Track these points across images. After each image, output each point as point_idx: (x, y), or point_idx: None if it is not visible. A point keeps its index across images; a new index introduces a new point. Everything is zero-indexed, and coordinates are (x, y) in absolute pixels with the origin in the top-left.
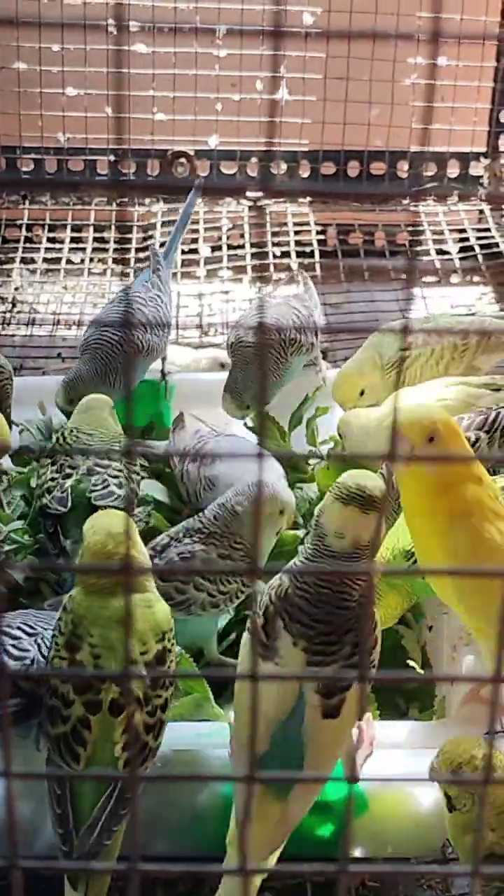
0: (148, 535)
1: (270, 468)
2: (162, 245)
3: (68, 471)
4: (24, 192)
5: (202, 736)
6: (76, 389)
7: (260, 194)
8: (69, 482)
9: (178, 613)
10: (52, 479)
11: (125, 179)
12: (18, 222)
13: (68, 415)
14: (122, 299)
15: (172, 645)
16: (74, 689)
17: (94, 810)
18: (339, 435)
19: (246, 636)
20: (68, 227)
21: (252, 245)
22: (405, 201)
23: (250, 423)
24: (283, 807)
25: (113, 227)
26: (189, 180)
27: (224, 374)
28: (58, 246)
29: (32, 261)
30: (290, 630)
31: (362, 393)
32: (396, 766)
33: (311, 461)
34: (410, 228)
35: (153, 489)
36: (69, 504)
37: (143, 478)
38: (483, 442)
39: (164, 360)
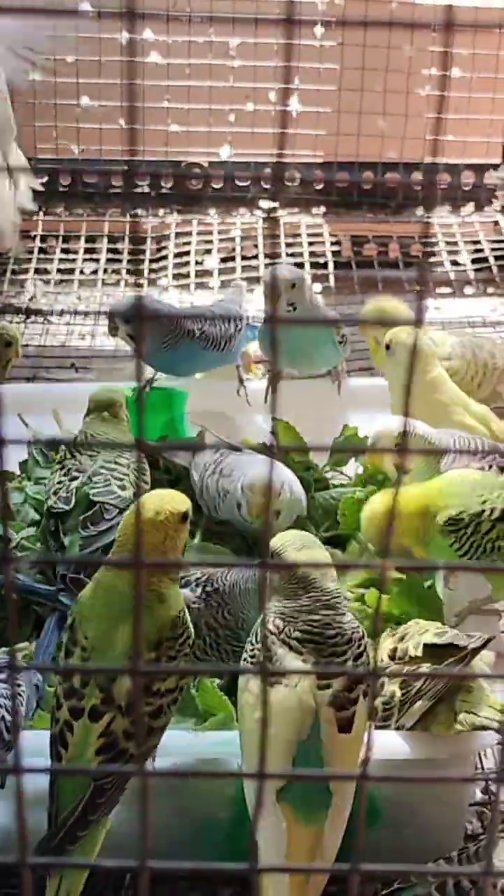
0: None
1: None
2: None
3: (75, 474)
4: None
5: (217, 745)
6: None
7: (275, 204)
8: (75, 484)
9: None
10: (59, 483)
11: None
12: (33, 233)
13: None
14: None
15: (180, 647)
16: (63, 694)
17: (72, 804)
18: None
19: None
20: (82, 238)
21: (266, 256)
22: (419, 212)
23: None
24: (316, 831)
25: (127, 238)
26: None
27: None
28: (72, 257)
29: (46, 271)
30: (292, 645)
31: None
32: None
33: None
34: (426, 240)
35: None
36: (73, 502)
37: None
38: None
39: None
